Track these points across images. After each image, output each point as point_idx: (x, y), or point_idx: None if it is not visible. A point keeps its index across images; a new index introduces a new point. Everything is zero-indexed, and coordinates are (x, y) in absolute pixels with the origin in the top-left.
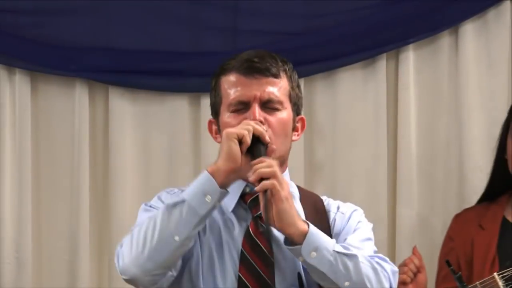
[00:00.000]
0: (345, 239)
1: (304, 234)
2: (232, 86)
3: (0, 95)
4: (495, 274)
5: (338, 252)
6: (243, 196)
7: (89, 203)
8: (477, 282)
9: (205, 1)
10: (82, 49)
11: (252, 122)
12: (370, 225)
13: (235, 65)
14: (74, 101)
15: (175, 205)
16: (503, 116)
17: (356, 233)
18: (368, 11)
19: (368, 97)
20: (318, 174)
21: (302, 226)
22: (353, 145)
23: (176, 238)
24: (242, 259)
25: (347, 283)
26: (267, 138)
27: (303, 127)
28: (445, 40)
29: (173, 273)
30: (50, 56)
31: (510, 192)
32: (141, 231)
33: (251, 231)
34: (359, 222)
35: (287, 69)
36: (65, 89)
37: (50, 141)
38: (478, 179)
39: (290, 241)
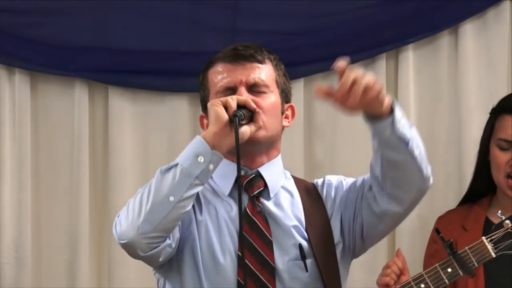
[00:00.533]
0: (345, 193)
1: (390, 103)
2: (218, 74)
3: (0, 95)
4: (483, 238)
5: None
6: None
7: (89, 203)
8: (466, 247)
9: (204, 1)
10: (81, 49)
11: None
12: None
13: (220, 56)
14: (74, 101)
15: (168, 168)
16: None
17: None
18: (368, 11)
19: None
20: (317, 174)
21: (386, 98)
22: (353, 145)
23: (171, 198)
24: (241, 239)
25: (417, 152)
26: (252, 104)
27: (293, 114)
28: (444, 40)
29: (171, 241)
30: (50, 56)
31: (492, 193)
32: (136, 198)
33: (248, 211)
34: (350, 179)
35: (272, 58)
36: (65, 89)
37: (50, 141)
38: None
39: (375, 115)
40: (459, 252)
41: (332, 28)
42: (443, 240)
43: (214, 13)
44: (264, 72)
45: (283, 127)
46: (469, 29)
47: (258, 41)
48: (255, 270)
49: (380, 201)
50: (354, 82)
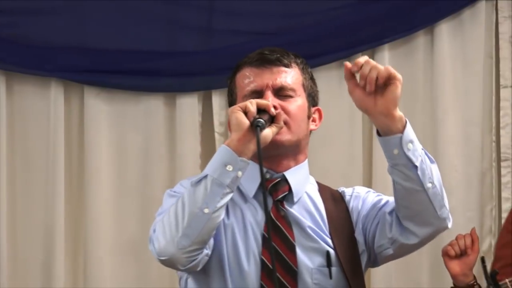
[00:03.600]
0: (368, 208)
1: (404, 124)
2: (245, 78)
3: None
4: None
5: (425, 152)
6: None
7: (64, 203)
8: (507, 280)
9: (180, 1)
10: (57, 49)
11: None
12: None
13: (247, 60)
14: (50, 100)
15: (199, 181)
16: (478, 115)
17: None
18: (343, 11)
19: (344, 97)
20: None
21: (402, 115)
22: (329, 146)
23: (206, 210)
24: (265, 242)
25: (429, 185)
26: (272, 109)
27: (320, 117)
28: (420, 40)
29: (208, 251)
30: (26, 56)
31: None
32: (171, 213)
33: (272, 216)
34: (378, 195)
35: (299, 62)
36: (41, 89)
37: (26, 141)
38: (454, 178)
39: (387, 130)
40: (501, 283)
41: (308, 28)
42: (485, 270)
43: (190, 13)
44: (291, 76)
45: (310, 131)
46: (444, 29)
47: (234, 40)
48: (278, 274)
49: (394, 228)
50: (365, 63)
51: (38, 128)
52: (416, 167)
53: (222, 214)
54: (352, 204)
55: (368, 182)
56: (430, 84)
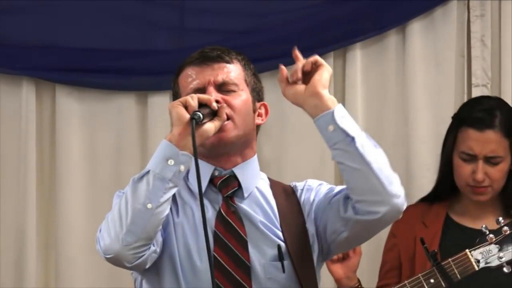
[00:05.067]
0: (321, 197)
1: (334, 102)
2: (187, 78)
3: None
4: (467, 250)
5: (367, 136)
6: (212, 180)
7: (36, 202)
8: (449, 259)
9: (152, 1)
10: (29, 47)
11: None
12: None
13: (188, 60)
14: (21, 99)
15: (141, 177)
16: (450, 114)
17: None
18: (315, 10)
19: None
20: (264, 173)
21: (334, 98)
22: (300, 145)
23: (149, 206)
24: (216, 239)
25: (372, 158)
26: (214, 104)
27: (266, 112)
28: (392, 38)
29: (156, 247)
30: None
31: (454, 193)
32: (115, 211)
33: (222, 212)
34: (331, 186)
35: (241, 58)
36: (12, 87)
37: None
38: (425, 178)
39: (319, 110)
40: (443, 263)
41: (279, 26)
42: (427, 251)
43: (162, 12)
44: (233, 71)
45: (257, 126)
46: (416, 28)
47: (205, 39)
48: (230, 270)
49: (349, 210)
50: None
51: (10, 127)
52: (353, 138)
53: (166, 209)
54: (304, 197)
55: (340, 180)
56: (402, 83)
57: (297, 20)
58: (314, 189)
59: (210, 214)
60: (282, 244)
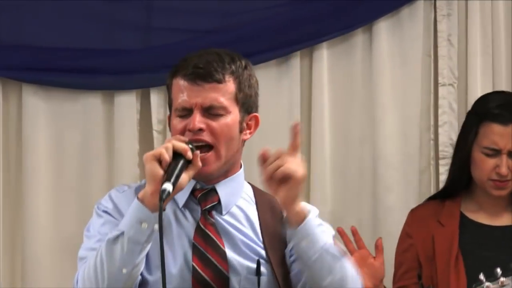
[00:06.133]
0: None
1: (303, 219)
2: (178, 91)
3: None
4: None
5: (328, 250)
6: (193, 191)
7: (2, 201)
8: None
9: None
10: None
11: (175, 139)
12: (328, 225)
13: (183, 69)
14: None
15: (115, 239)
16: (416, 113)
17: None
18: (281, 9)
19: (282, 95)
20: None
21: (304, 210)
22: (267, 143)
23: (124, 270)
24: (195, 250)
25: (328, 279)
26: (188, 153)
27: (256, 124)
28: (358, 38)
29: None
30: None
31: (465, 190)
32: (91, 269)
33: (201, 224)
34: (319, 225)
35: (235, 70)
36: None
37: None
38: (392, 177)
39: (287, 221)
40: None
41: (246, 25)
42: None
43: (128, 11)
44: (223, 92)
45: (243, 141)
46: (383, 27)
47: (173, 38)
48: (208, 280)
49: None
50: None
51: None
52: (308, 264)
53: (141, 266)
54: None
55: (307, 180)
56: (368, 83)
57: (263, 20)
58: None
59: (190, 223)
60: (262, 261)
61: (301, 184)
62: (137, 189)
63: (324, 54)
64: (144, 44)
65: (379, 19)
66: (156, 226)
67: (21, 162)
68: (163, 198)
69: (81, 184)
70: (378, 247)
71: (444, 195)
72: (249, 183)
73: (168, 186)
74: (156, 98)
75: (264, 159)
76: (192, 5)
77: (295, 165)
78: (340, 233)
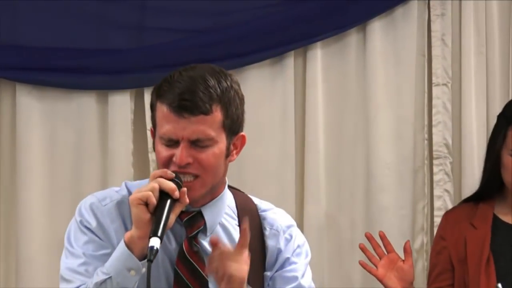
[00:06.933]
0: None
1: None
2: (163, 120)
3: None
4: None
5: None
6: (180, 214)
7: None
8: None
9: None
10: None
11: (162, 175)
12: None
13: (168, 96)
14: None
15: (103, 282)
16: (410, 113)
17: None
18: (275, 9)
19: (276, 95)
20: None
21: None
22: (261, 143)
23: None
24: (177, 278)
25: None
26: (176, 193)
27: (242, 144)
28: (352, 37)
29: None
30: None
31: (499, 192)
32: None
33: (185, 251)
34: (306, 264)
35: (221, 95)
36: None
37: None
38: (386, 176)
39: None
40: None
41: (239, 25)
42: None
43: (121, 11)
44: (210, 123)
45: (229, 162)
46: (377, 27)
47: (165, 38)
48: None
49: None
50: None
51: None
52: None
53: None
54: (270, 242)
55: (301, 180)
56: (362, 82)
57: (257, 19)
58: (281, 247)
59: (173, 247)
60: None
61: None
62: (119, 203)
63: (318, 54)
64: (137, 43)
65: (373, 19)
66: (144, 270)
67: (15, 162)
68: (151, 258)
69: (75, 183)
70: (407, 250)
71: (478, 198)
72: (232, 189)
73: (156, 243)
74: (150, 98)
75: (214, 245)
76: (185, 5)
77: (236, 266)
78: (368, 237)
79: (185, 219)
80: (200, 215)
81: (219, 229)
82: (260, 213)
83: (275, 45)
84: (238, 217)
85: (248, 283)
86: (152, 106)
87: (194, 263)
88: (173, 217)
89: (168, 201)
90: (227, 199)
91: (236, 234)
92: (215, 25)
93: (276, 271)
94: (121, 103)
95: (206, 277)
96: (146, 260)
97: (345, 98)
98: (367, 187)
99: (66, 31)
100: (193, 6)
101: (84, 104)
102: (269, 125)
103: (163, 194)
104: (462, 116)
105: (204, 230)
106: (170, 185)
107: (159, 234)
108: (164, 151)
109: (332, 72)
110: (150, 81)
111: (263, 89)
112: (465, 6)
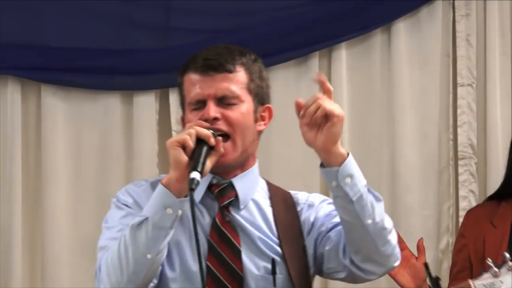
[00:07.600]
0: (320, 221)
1: (344, 159)
2: (190, 85)
3: None
4: (470, 281)
5: (369, 189)
6: (210, 187)
7: (22, 202)
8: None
9: (137, 0)
10: (14, 46)
11: (197, 125)
12: None
13: (192, 65)
14: (6, 99)
15: (139, 224)
16: (435, 113)
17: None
18: (300, 9)
19: (301, 95)
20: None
21: (343, 151)
22: (287, 144)
23: (149, 256)
24: (210, 249)
25: (369, 221)
26: (211, 140)
27: (270, 116)
28: (377, 38)
29: (155, 280)
30: None
31: None
32: (114, 256)
33: (217, 221)
34: (333, 209)
35: (245, 61)
36: None
37: None
38: (410, 177)
39: (327, 163)
40: None
41: (264, 26)
42: (430, 276)
43: (147, 12)
44: (234, 81)
45: (258, 132)
46: (401, 28)
47: (190, 38)
48: (222, 279)
49: (347, 256)
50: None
51: None
52: (352, 201)
53: (165, 252)
54: (304, 215)
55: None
56: (387, 83)
57: (282, 20)
58: (315, 207)
59: (206, 221)
60: (278, 259)
61: (341, 122)
62: (154, 184)
63: (343, 55)
64: (163, 44)
65: (398, 19)
66: (180, 212)
67: (40, 163)
68: (193, 188)
69: (100, 184)
70: (420, 248)
71: (500, 196)
72: (263, 178)
73: (196, 175)
74: (175, 98)
75: (299, 107)
76: (210, 5)
77: (332, 104)
78: None
79: (216, 191)
80: (231, 186)
81: (252, 205)
82: (293, 195)
83: (300, 46)
84: (270, 198)
85: (286, 257)
86: (180, 86)
87: (227, 233)
88: (209, 164)
89: (205, 147)
90: (260, 181)
91: (269, 214)
92: (240, 25)
93: (315, 225)
94: (146, 104)
95: (239, 247)
96: (184, 196)
97: (370, 99)
98: (392, 188)
99: (91, 31)
100: (218, 6)
101: (109, 105)
102: (294, 125)
103: (199, 141)
104: (487, 117)
105: (236, 203)
106: (206, 132)
107: (198, 169)
108: (194, 116)
109: (357, 72)
110: (175, 82)
111: (288, 89)
112: (490, 6)
